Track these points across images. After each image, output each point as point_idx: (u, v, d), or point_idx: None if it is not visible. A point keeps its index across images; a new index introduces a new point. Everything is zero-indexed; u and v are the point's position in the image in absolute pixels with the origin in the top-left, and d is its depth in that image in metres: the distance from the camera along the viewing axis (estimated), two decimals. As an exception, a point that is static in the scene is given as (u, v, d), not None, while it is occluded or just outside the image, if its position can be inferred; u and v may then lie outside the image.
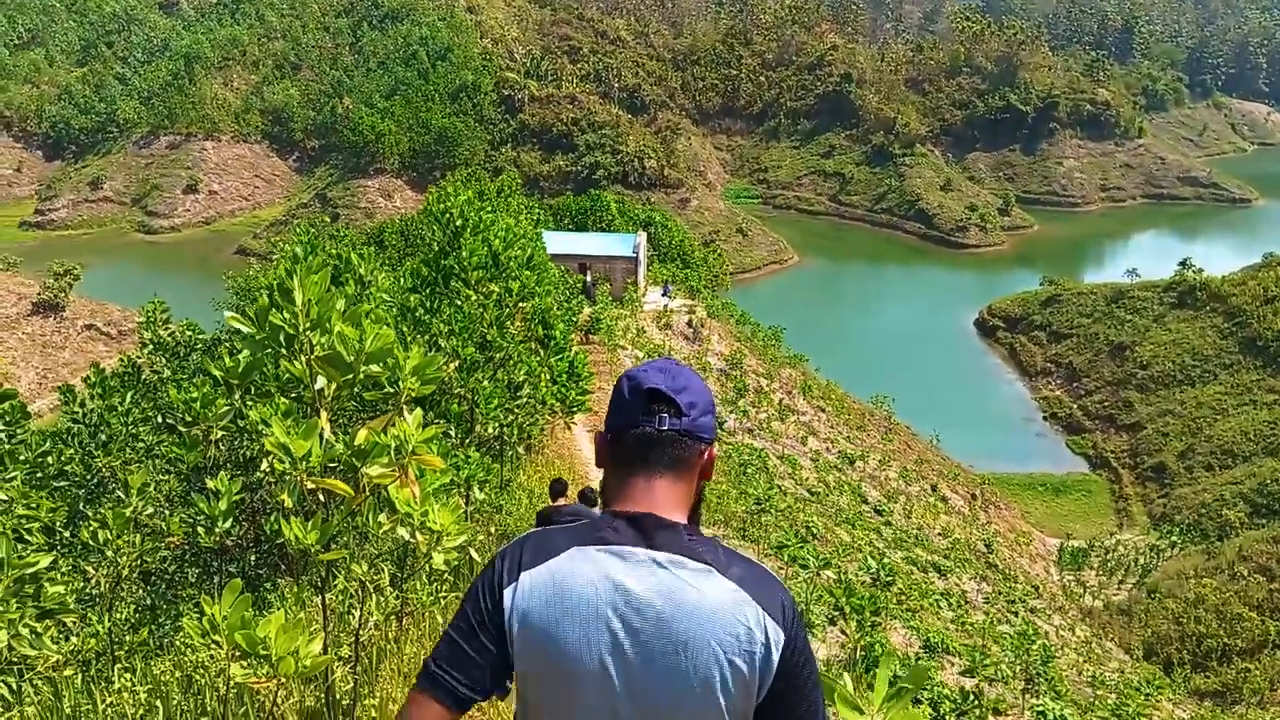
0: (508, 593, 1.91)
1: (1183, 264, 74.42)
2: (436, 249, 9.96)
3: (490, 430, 9.60)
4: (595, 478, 16.67)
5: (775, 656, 1.85)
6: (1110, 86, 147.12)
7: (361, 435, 4.92)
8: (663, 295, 49.34)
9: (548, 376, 10.31)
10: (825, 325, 79.61)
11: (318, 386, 4.89)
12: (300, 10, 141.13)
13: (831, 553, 15.30)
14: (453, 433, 9.37)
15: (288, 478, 4.48)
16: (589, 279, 44.04)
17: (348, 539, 5.52)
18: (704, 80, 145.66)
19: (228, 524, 4.85)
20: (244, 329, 4.55)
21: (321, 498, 5.40)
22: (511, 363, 10.00)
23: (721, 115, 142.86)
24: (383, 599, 7.68)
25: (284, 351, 4.62)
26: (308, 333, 4.57)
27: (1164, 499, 56.91)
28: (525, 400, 10.07)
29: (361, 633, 6.32)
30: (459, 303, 9.69)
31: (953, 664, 13.37)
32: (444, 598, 8.14)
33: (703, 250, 75.50)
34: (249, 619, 3.70)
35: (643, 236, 51.76)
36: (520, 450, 12.65)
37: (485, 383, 9.48)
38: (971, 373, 75.67)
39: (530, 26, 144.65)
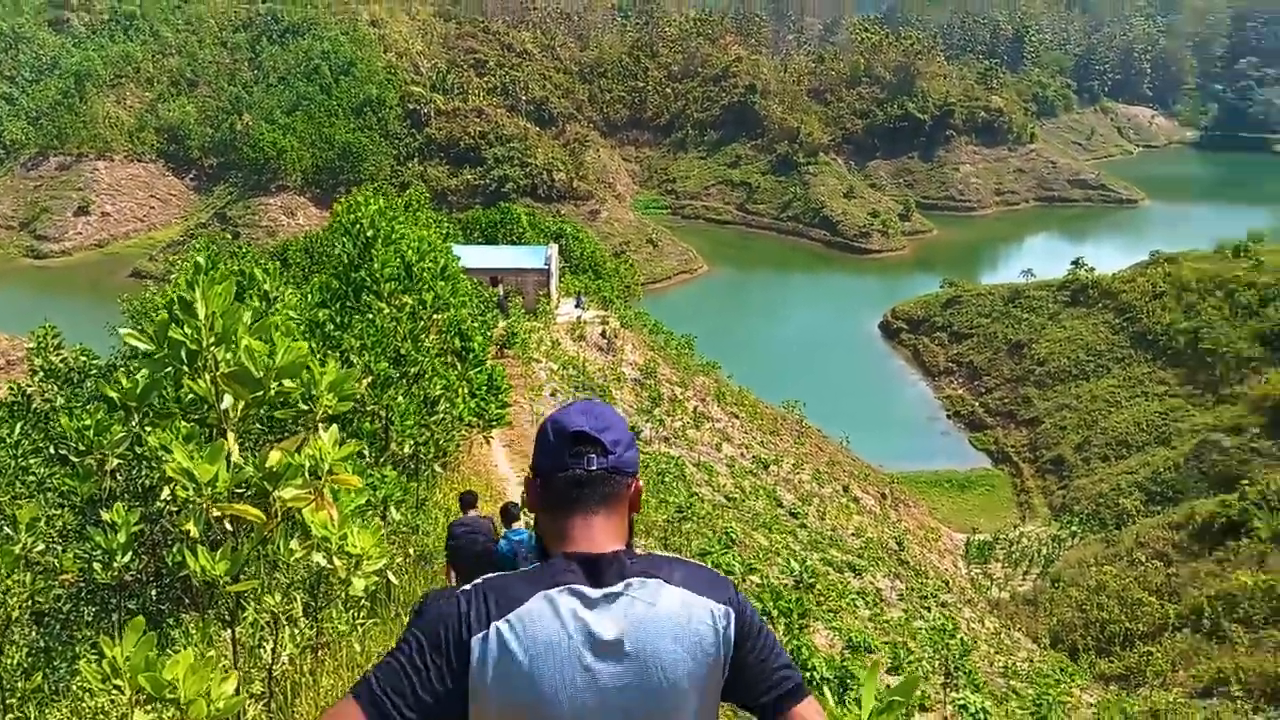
0: (475, 641, 1.96)
1: (1075, 263, 77.21)
2: (346, 261, 9.68)
3: (406, 448, 9.37)
4: (512, 492, 16.45)
5: (731, 633, 2.03)
6: (1003, 94, 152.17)
7: (274, 457, 4.72)
8: (576, 307, 49.23)
9: (465, 390, 10.09)
10: (736, 333, 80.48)
11: (224, 406, 4.67)
12: (196, 25, 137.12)
13: (752, 557, 15.37)
14: (366, 452, 9.10)
15: (192, 505, 4.25)
16: (501, 292, 43.68)
17: (258, 568, 5.29)
18: (611, 92, 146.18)
19: (126, 558, 4.59)
20: (142, 346, 4.31)
21: (229, 525, 5.16)
22: (427, 377, 9.78)
23: (629, 127, 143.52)
24: (297, 630, 7.41)
25: (186, 369, 4.39)
26: (212, 348, 4.35)
27: (1063, 490, 58.83)
28: (442, 416, 9.85)
29: (275, 667, 6.07)
30: (371, 316, 9.43)
31: (871, 660, 13.55)
32: (361, 625, 7.89)
33: (614, 261, 75.64)
34: (154, 660, 3.48)
35: (554, 248, 51.60)
36: (436, 468, 12.41)
37: (400, 399, 9.25)
38: (877, 375, 77.26)
39: (435, 40, 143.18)
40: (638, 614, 1.97)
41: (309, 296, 11.35)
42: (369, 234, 9.51)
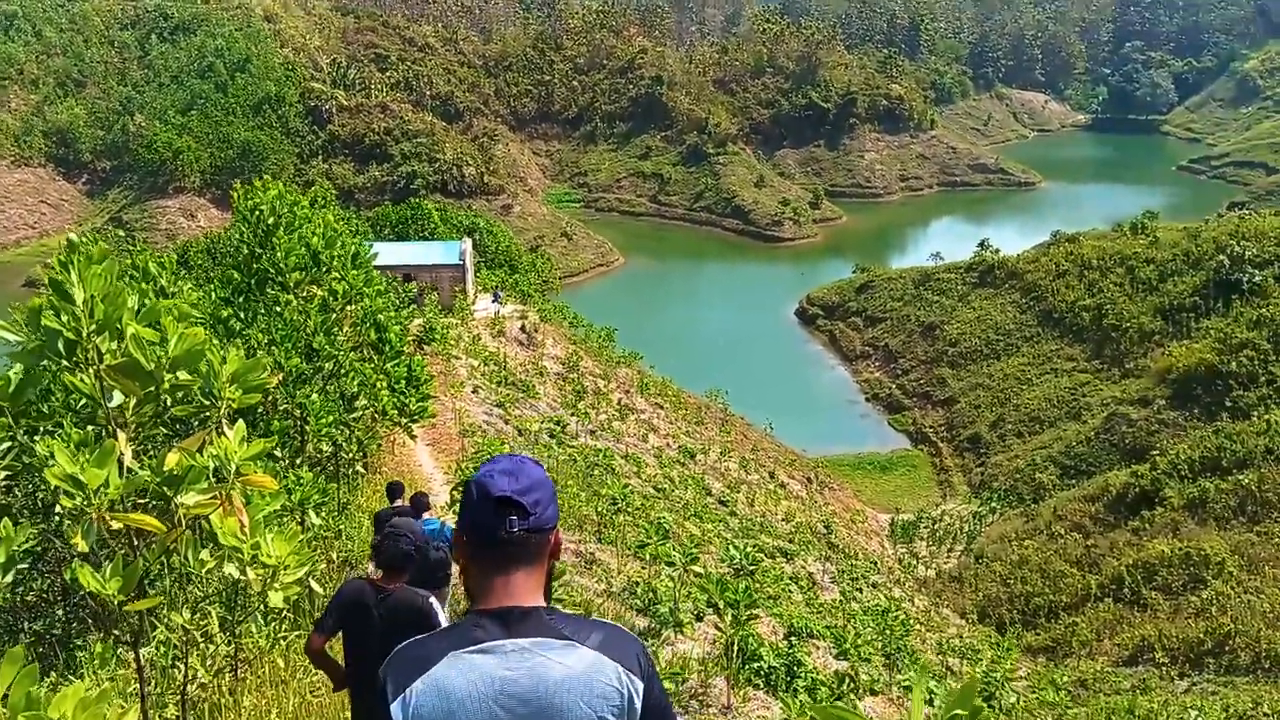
0: (395, 707, 2.10)
1: (981, 245, 78.95)
2: (247, 251, 8.97)
3: (325, 447, 8.72)
4: (437, 492, 15.82)
5: (639, 704, 2.16)
6: (902, 82, 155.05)
7: (172, 458, 4.13)
8: (494, 302, 48.39)
9: (385, 384, 9.48)
10: (655, 324, 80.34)
11: (114, 403, 4.08)
12: (81, 24, 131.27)
13: (689, 546, 15.07)
14: (279, 453, 8.45)
15: (81, 516, 3.66)
16: (416, 290, 42.64)
17: (166, 582, 4.69)
18: (517, 86, 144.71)
19: (8, 577, 3.96)
20: (11, 336, 3.69)
21: (134, 538, 4.56)
22: (343, 372, 9.15)
23: (537, 120, 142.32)
24: (213, 647, 6.77)
25: (65, 362, 3.79)
26: (93, 337, 3.76)
27: (981, 468, 60.05)
28: (361, 413, 9.22)
29: (189, 688, 5.46)
30: (279, 309, 8.76)
31: (817, 647, 13.35)
32: (284, 639, 7.27)
33: (530, 256, 74.74)
34: (36, 697, 2.90)
35: (468, 243, 50.64)
36: (358, 468, 11.75)
37: (315, 396, 8.60)
38: (796, 361, 77.92)
39: (333, 35, 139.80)
40: (547, 671, 2.09)
41: (213, 294, 10.59)
42: (269, 221, 8.79)
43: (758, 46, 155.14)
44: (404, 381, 10.01)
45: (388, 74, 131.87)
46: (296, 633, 7.71)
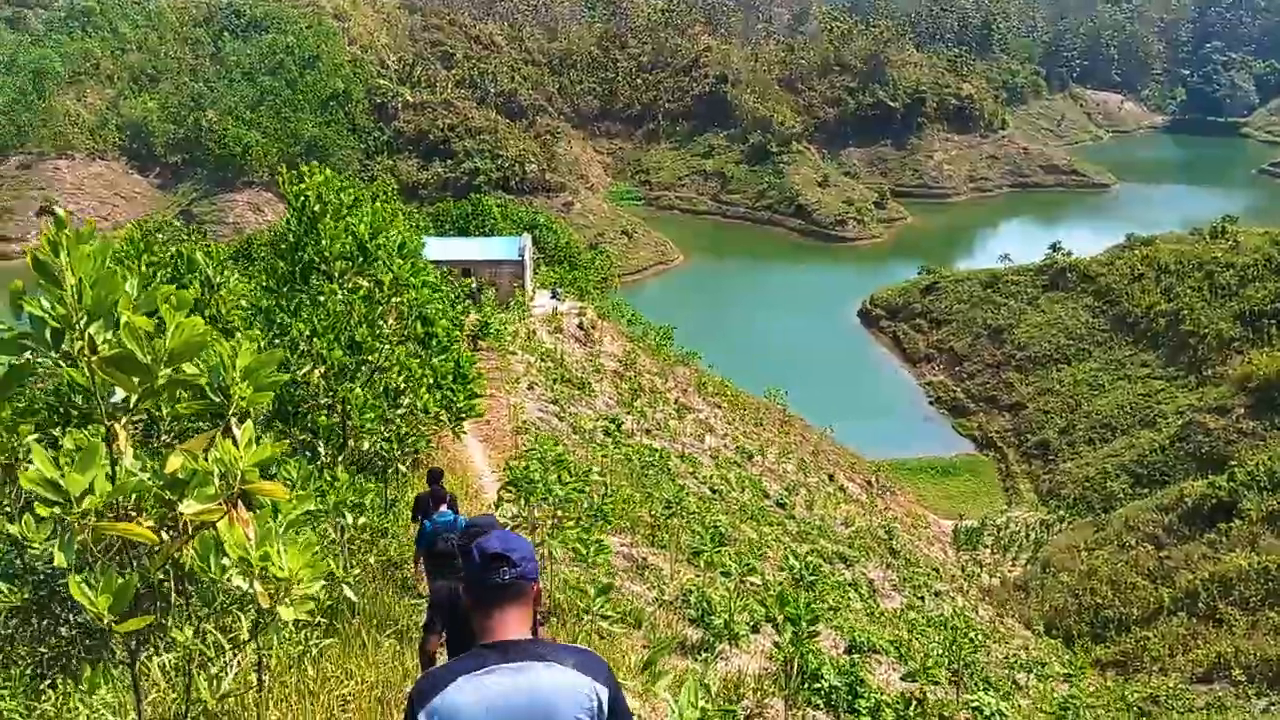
0: (421, 715, 2.71)
1: (1053, 247, 76.92)
2: (291, 239, 8.65)
3: (366, 445, 8.37)
4: (489, 490, 15.48)
5: (605, 703, 2.78)
6: (973, 81, 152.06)
7: (174, 461, 3.74)
8: (552, 298, 48.18)
9: (430, 380, 9.11)
10: (714, 323, 79.63)
11: (114, 399, 3.70)
12: (156, 21, 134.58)
13: (744, 552, 14.55)
14: (322, 450, 8.11)
15: (62, 525, 3.28)
16: (474, 284, 42.59)
17: (171, 596, 4.31)
18: (581, 84, 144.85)
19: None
20: (-10, 324, 3.32)
21: (130, 549, 4.20)
22: (388, 366, 8.79)
23: (600, 118, 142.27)
24: (238, 656, 6.43)
25: (52, 354, 3.41)
26: (83, 325, 3.37)
27: (1049, 475, 58.43)
28: (406, 409, 8.85)
29: (200, 706, 5.09)
30: (322, 299, 8.42)
31: (880, 662, 12.75)
32: (316, 645, 6.90)
33: (589, 253, 74.53)
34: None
35: (528, 239, 50.52)
36: (403, 467, 11.45)
37: (358, 390, 8.26)
38: (858, 363, 76.68)
39: (400, 32, 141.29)
40: (535, 686, 2.73)
41: (263, 283, 10.31)
42: (316, 208, 8.45)
43: (825, 45, 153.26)
44: (451, 378, 9.62)
45: (453, 71, 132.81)
46: (330, 640, 7.35)
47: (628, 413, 34.10)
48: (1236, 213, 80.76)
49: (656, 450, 28.27)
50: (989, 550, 49.80)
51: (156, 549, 4.13)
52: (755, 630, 11.61)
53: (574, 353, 41.49)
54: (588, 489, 10.26)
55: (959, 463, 62.17)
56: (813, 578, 11.88)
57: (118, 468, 3.50)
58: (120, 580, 3.41)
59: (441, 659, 5.55)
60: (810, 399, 59.10)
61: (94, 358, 3.41)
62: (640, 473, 23.24)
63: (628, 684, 7.81)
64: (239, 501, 3.66)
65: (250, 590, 3.85)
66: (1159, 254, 69.31)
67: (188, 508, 3.56)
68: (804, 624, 7.53)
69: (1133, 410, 58.71)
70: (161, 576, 4.61)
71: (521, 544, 2.97)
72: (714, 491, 28.71)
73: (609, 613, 6.21)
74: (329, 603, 7.44)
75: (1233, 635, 32.02)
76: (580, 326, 45.24)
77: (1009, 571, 47.37)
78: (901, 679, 10.89)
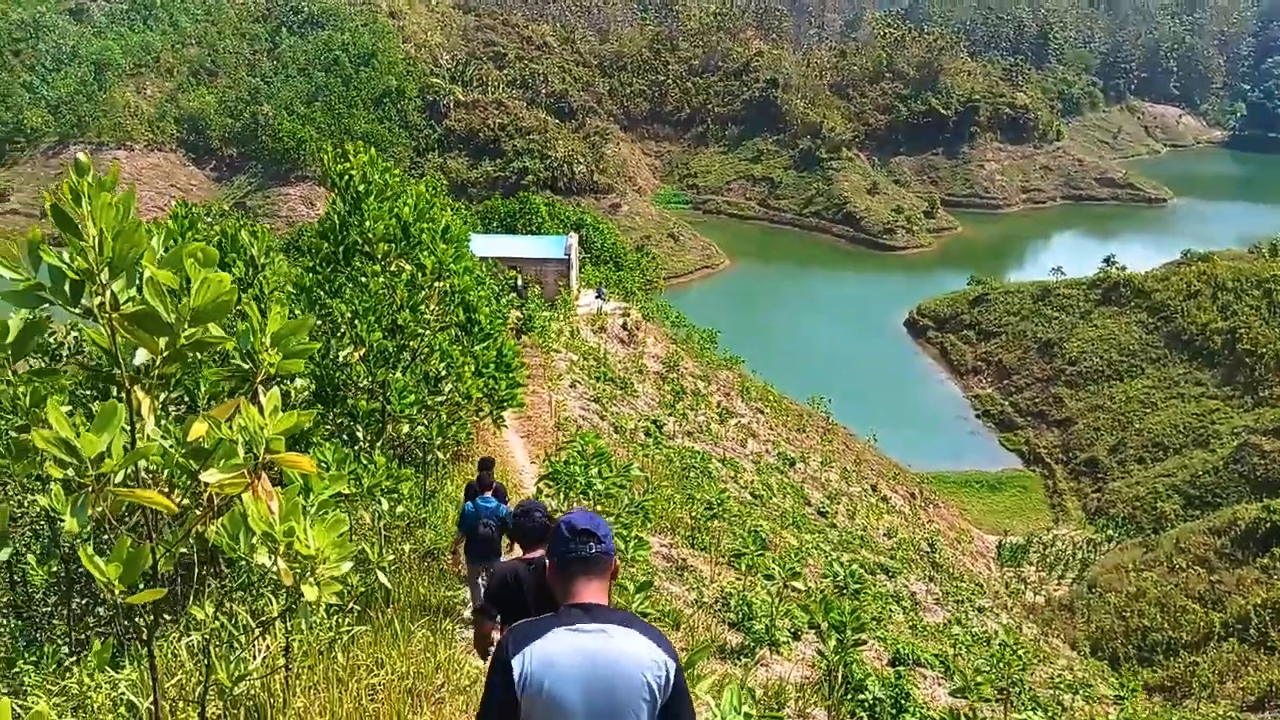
0: (515, 661, 2.97)
1: (1107, 261, 75.47)
2: (336, 220, 8.49)
3: (405, 430, 8.18)
4: (528, 484, 15.29)
5: (672, 676, 3.00)
6: (1028, 91, 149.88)
7: (198, 428, 3.54)
8: (597, 298, 48.03)
9: (472, 368, 8.90)
10: (758, 328, 79.05)
11: (137, 361, 3.51)
12: (216, 16, 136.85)
13: (789, 559, 14.19)
14: (360, 434, 7.94)
15: (73, 490, 3.08)
16: (520, 281, 42.55)
17: (199, 570, 4.12)
18: (631, 86, 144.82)
19: (2, 554, 3.41)
20: (6, 273, 3.14)
21: (156, 520, 4.01)
22: (428, 352, 8.60)
23: (649, 121, 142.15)
24: (268, 640, 6.25)
25: (71, 309, 3.22)
26: (104, 279, 3.18)
27: (1098, 493, 57.22)
28: (447, 396, 8.66)
29: (227, 690, 4.90)
30: (364, 280, 8.26)
31: (925, 676, 12.34)
32: (346, 633, 6.70)
33: (635, 254, 74.35)
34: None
35: (574, 239, 50.42)
36: (440, 454, 11.27)
37: (399, 375, 8.07)
38: (904, 372, 75.69)
39: (454, 32, 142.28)
40: (615, 646, 2.97)
41: (303, 264, 10.17)
42: (360, 187, 8.28)
43: (877, 51, 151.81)
44: (493, 365, 9.41)
45: (505, 71, 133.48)
46: (362, 627, 7.16)
47: (669, 414, 33.81)
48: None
49: (698, 454, 27.94)
50: (1034, 568, 48.86)
51: (179, 521, 3.94)
52: (796, 637, 11.28)
53: (617, 352, 41.30)
54: (628, 484, 10.04)
55: (1005, 478, 61.11)
56: (857, 586, 11.53)
57: (138, 434, 3.30)
58: (132, 549, 3.21)
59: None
60: (854, 408, 58.44)
61: (114, 314, 3.21)
62: (681, 474, 22.95)
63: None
64: (263, 473, 3.44)
65: (273, 568, 3.64)
66: (1216, 270, 67.71)
67: (209, 477, 3.36)
68: (849, 632, 7.21)
69: (1186, 430, 57.32)
70: (185, 550, 4.43)
71: (604, 524, 3.30)
72: (755, 496, 28.33)
73: (649, 610, 5.94)
74: (361, 589, 7.26)
75: (1287, 663, 31.05)
76: (624, 327, 45.03)
77: (1054, 590, 46.44)
78: (950, 694, 10.50)
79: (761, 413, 46.53)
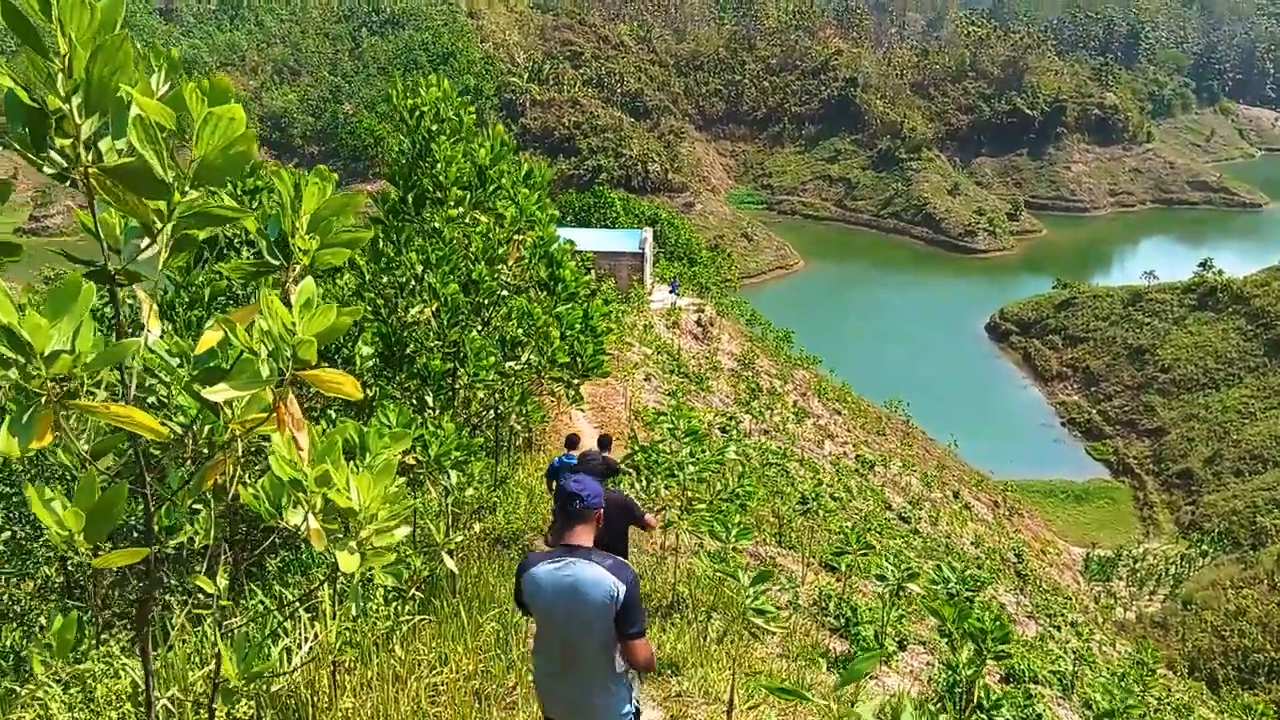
0: (524, 579, 4.12)
1: (1203, 265, 72.14)
2: (404, 161, 7.61)
3: (480, 397, 7.27)
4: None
5: (622, 594, 3.90)
6: (1117, 91, 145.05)
7: (209, 336, 2.65)
8: (670, 293, 47.05)
9: (557, 331, 7.96)
10: (834, 330, 77.25)
11: (149, 245, 2.63)
12: (299, 16, 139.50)
13: (898, 557, 13.07)
14: (430, 400, 7.06)
15: (15, 392, 2.18)
16: (593, 274, 41.74)
17: (207, 528, 3.24)
18: (707, 85, 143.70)
19: None
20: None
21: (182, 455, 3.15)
22: (507, 313, 7.70)
23: (725, 120, 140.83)
24: (321, 626, 5.40)
25: (33, 155, 2.34)
26: (78, 112, 2.29)
27: (1192, 506, 54.51)
28: (525, 363, 7.74)
29: (274, 683, 4.02)
30: (436, 224, 7.38)
31: (1042, 695, 11.11)
32: (406, 623, 5.81)
33: (709, 253, 73.16)
34: None
35: (649, 233, 49.53)
36: (520, 429, 10.42)
37: (475, 334, 7.19)
38: (985, 377, 73.34)
39: (532, 31, 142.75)
40: (583, 573, 3.93)
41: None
42: (431, 126, 7.38)
43: (960, 50, 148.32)
44: (578, 328, 8.48)
45: (581, 70, 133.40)
46: (425, 618, 6.27)
47: (745, 412, 32.68)
48: None
49: (776, 451, 26.78)
50: (1123, 582, 46.62)
51: (189, 467, 3.05)
52: (902, 647, 10.16)
53: (691, 348, 40.28)
54: (722, 468, 9.07)
55: (1092, 488, 58.62)
56: (970, 594, 10.38)
57: (135, 342, 2.41)
58: (103, 491, 2.30)
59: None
60: (933, 413, 56.60)
61: (91, 166, 2.32)
62: (760, 472, 21.84)
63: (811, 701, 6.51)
64: (290, 393, 2.52)
65: (302, 527, 2.72)
66: (1323, 276, 64.24)
67: (217, 394, 2.44)
68: (990, 642, 6.12)
69: (1289, 442, 54.31)
70: (198, 506, 3.55)
71: (590, 485, 4.17)
72: (834, 499, 27.07)
73: (767, 607, 4.94)
74: (426, 573, 6.37)
75: None
76: (699, 323, 43.98)
77: (1145, 606, 44.21)
78: (1097, 718, 9.30)
79: (839, 414, 45.08)
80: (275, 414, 2.53)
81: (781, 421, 35.63)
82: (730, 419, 29.03)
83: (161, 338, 2.91)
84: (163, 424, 2.37)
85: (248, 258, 4.04)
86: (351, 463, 2.88)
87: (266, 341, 2.51)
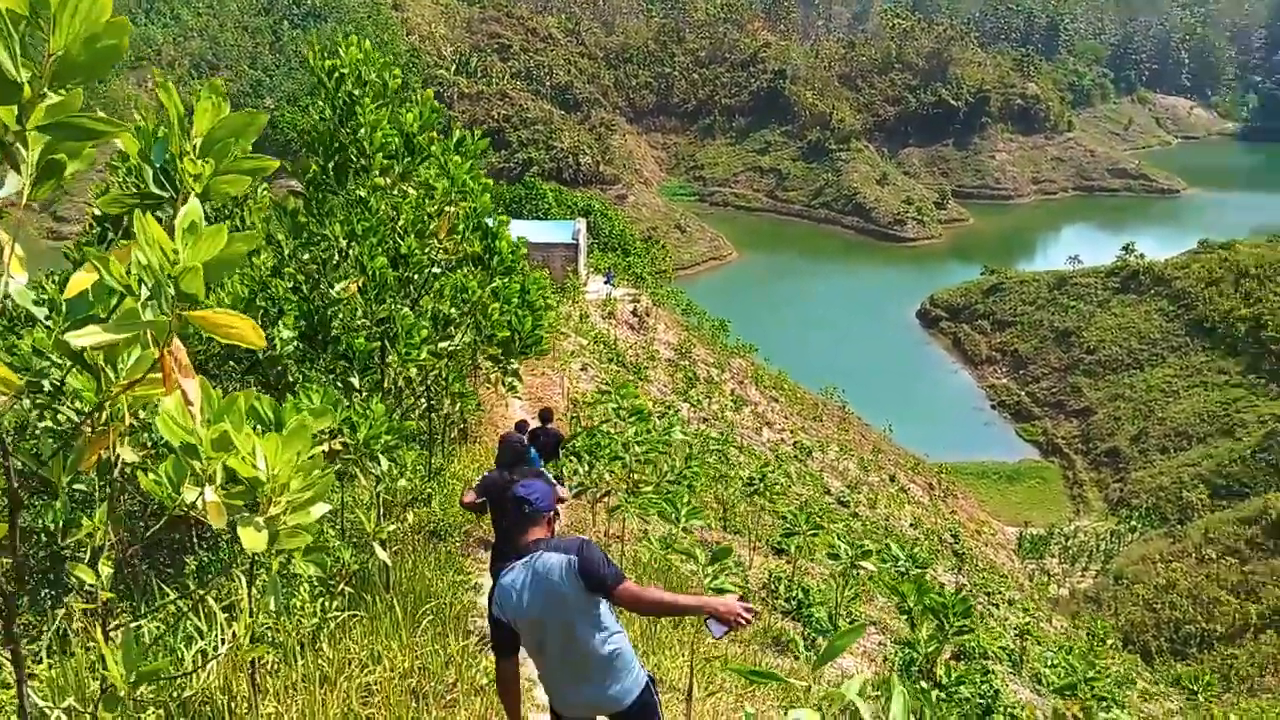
0: (494, 596, 4.14)
1: (1125, 249, 73.90)
2: (324, 129, 7.09)
3: (412, 373, 6.81)
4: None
5: (576, 561, 3.97)
6: (1039, 82, 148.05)
7: (79, 279, 2.23)
8: (606, 283, 46.66)
9: (496, 306, 7.49)
10: (768, 320, 77.49)
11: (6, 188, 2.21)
12: (218, 9, 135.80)
13: (850, 536, 12.92)
14: (357, 381, 6.61)
15: None
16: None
17: (97, 515, 2.80)
18: (637, 78, 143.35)
19: None
20: None
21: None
22: (438, 288, 7.24)
23: (656, 113, 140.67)
24: (240, 625, 4.94)
25: None
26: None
27: (1120, 484, 55.83)
28: (458, 342, 7.29)
29: (181, 686, 3.58)
30: (363, 193, 6.89)
31: (995, 670, 11.03)
32: (335, 619, 5.37)
33: (643, 245, 72.92)
34: None
35: (582, 224, 49.07)
36: (453, 412, 9.97)
37: (406, 310, 6.73)
38: (917, 363, 74.29)
39: (458, 24, 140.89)
40: (545, 566, 4.01)
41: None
42: (353, 90, 6.88)
43: (885, 42, 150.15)
44: (515, 303, 8.01)
45: (509, 63, 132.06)
46: (355, 613, 5.84)
47: (683, 400, 32.50)
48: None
49: (715, 438, 26.61)
50: (1056, 560, 47.53)
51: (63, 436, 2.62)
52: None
53: (628, 338, 39.98)
54: (670, 449, 8.73)
55: (1023, 469, 59.71)
56: (920, 570, 10.22)
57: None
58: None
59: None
60: (867, 399, 57.12)
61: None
62: (701, 459, 21.59)
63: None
64: (176, 340, 2.11)
65: (197, 505, 2.31)
66: (1238, 257, 66.17)
67: (81, 338, 2.02)
68: (953, 619, 5.89)
69: (1210, 419, 55.89)
70: (82, 487, 3.11)
71: (538, 488, 4.30)
72: (775, 483, 26.97)
73: (727, 586, 4.63)
74: (355, 566, 5.93)
75: (1333, 658, 29.69)
76: (634, 313, 43.70)
77: (1078, 582, 45.13)
78: (1054, 692, 9.19)
79: (776, 401, 45.18)
80: (162, 364, 2.11)
81: (720, 409, 35.53)
82: (669, 408, 28.79)
83: (27, 286, 2.47)
84: (16, 372, 1.95)
85: (128, 187, 3.60)
86: (259, 426, 2.48)
87: (146, 276, 2.09)
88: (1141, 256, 72.16)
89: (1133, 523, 49.04)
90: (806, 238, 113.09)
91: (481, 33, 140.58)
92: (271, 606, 4.46)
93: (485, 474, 7.46)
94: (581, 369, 28.12)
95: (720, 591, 4.71)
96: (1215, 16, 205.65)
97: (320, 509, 2.63)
